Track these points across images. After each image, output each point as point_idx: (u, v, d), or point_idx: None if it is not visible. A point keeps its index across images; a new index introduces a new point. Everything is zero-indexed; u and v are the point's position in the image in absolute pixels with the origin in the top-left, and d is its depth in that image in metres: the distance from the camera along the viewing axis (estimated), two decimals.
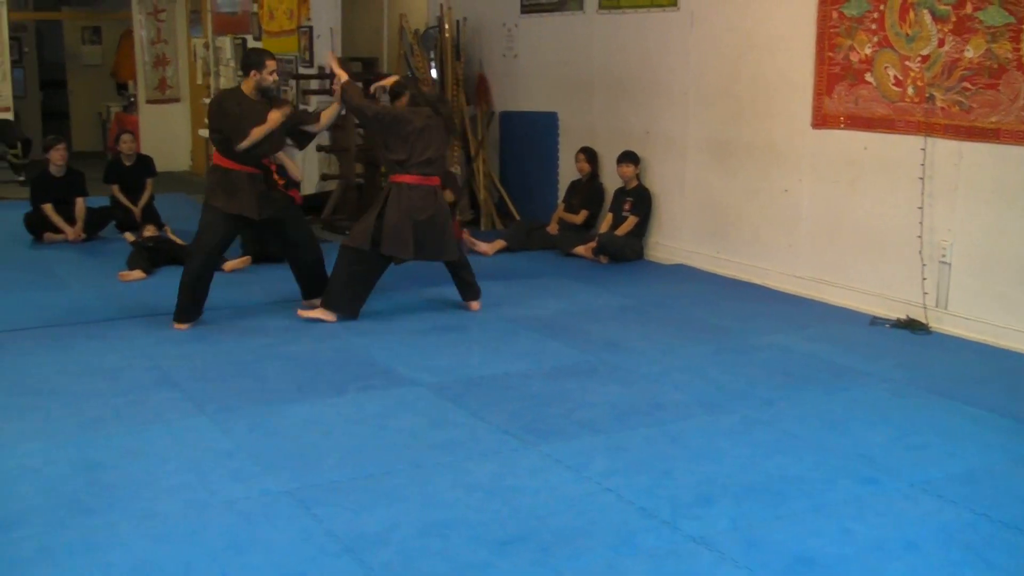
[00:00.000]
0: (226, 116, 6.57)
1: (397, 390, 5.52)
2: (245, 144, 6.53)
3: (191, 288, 6.67)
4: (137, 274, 8.17)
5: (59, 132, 11.82)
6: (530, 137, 10.56)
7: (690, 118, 8.64)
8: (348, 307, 6.88)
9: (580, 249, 9.01)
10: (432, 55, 11.03)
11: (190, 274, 6.68)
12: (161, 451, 4.66)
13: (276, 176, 7.42)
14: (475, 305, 7.22)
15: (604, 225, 9.18)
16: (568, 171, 9.96)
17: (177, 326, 6.67)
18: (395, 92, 7.19)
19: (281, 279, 7.73)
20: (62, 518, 3.98)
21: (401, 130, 6.77)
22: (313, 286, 7.15)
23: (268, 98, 6.73)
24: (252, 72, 6.66)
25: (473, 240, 9.25)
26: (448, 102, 7.77)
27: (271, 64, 6.63)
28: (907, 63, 6.80)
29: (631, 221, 8.95)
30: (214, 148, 6.82)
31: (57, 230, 9.66)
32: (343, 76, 6.91)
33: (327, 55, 7.71)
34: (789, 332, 6.69)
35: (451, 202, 9.69)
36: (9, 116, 14.20)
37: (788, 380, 5.72)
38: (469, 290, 7.24)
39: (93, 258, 9.05)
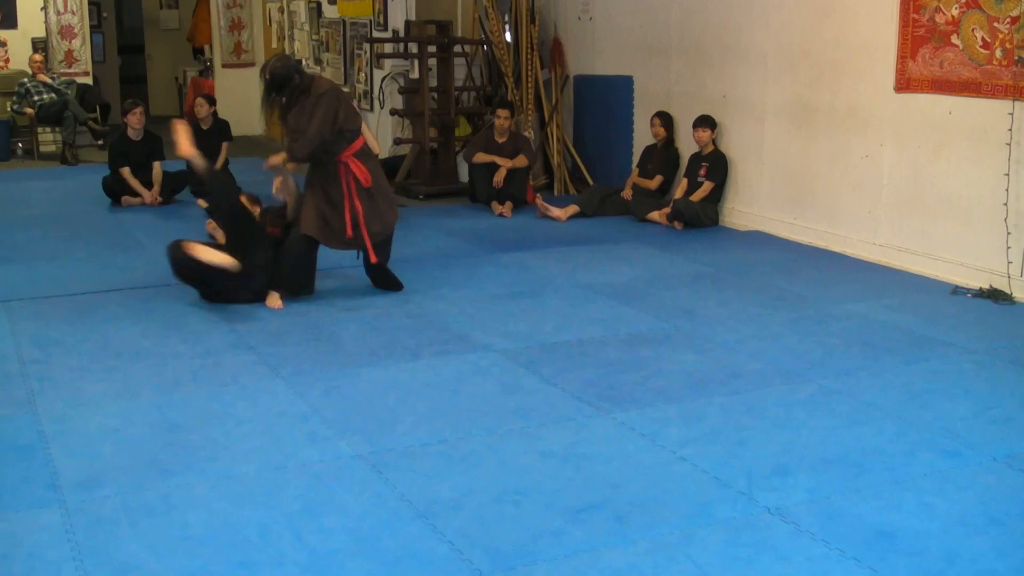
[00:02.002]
0: None
1: (471, 355, 5.52)
2: None
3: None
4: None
5: (137, 97, 11.91)
6: (605, 101, 10.46)
7: (769, 82, 8.49)
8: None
9: (654, 215, 8.92)
10: (507, 18, 10.96)
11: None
12: (237, 414, 4.71)
13: None
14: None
15: (679, 191, 9.08)
16: (643, 136, 9.85)
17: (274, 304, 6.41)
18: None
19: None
20: (142, 478, 4.04)
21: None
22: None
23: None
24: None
25: (546, 205, 9.20)
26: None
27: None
28: (996, 24, 6.61)
29: (706, 187, 8.84)
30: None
31: (135, 193, 9.79)
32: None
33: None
34: (868, 301, 6.56)
35: (525, 167, 9.68)
36: (88, 81, 14.41)
37: (867, 350, 5.62)
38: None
39: (170, 221, 9.15)
